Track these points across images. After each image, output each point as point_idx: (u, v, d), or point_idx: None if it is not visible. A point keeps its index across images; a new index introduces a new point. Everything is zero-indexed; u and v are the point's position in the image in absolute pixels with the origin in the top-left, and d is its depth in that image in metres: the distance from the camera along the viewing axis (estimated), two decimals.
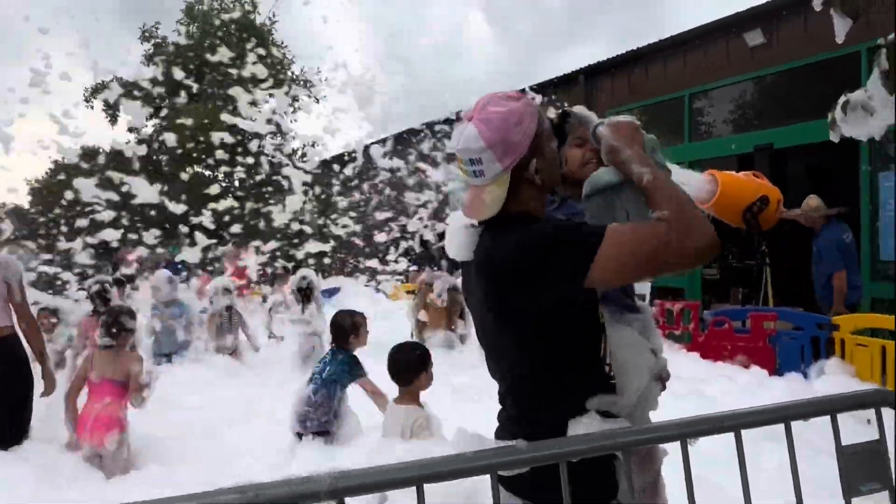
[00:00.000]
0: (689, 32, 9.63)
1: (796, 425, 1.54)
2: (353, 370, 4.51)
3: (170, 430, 4.67)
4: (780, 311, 6.70)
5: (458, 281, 8.10)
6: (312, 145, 20.01)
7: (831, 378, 5.28)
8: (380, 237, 10.74)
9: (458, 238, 1.63)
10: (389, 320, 8.98)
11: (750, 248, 9.68)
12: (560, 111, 1.99)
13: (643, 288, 7.72)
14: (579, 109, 1.99)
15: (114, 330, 4.44)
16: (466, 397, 5.19)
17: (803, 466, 1.58)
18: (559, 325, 1.51)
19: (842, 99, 2.38)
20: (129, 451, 4.27)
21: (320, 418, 4.33)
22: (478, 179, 1.55)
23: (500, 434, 1.64)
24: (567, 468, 1.34)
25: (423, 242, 9.97)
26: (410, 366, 3.56)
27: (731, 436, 1.47)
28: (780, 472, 1.53)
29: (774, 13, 8.44)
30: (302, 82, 25.78)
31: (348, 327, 4.64)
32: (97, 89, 24.10)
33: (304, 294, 7.49)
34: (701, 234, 1.38)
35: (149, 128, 23.75)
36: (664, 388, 1.89)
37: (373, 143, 9.88)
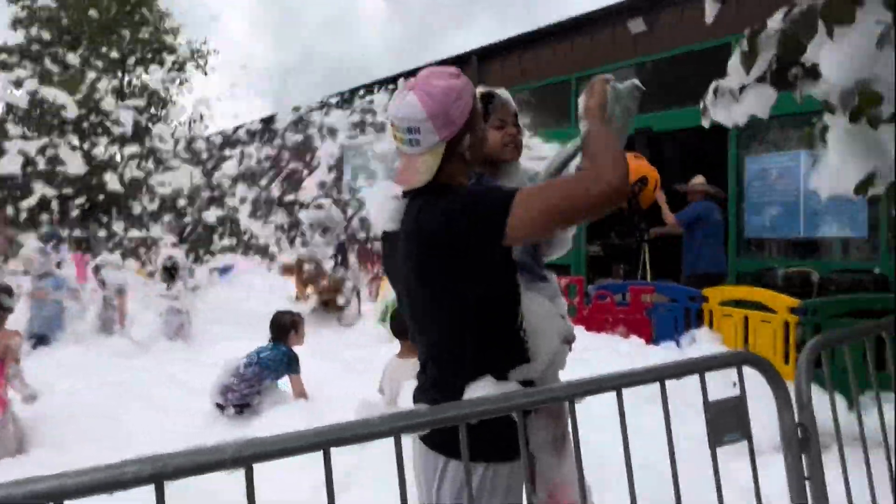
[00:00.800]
0: (577, 18, 9.95)
1: (672, 386, 1.69)
2: (292, 365, 4.74)
3: (57, 412, 4.42)
4: (657, 286, 7.11)
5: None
6: (201, 118, 19.10)
7: (701, 345, 5.68)
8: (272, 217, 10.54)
9: (386, 209, 1.67)
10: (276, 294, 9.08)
11: (630, 226, 10.19)
12: (485, 92, 2.05)
13: None
14: (503, 93, 2.07)
15: None
16: (353, 369, 5.57)
17: (678, 423, 1.73)
18: (486, 293, 1.59)
19: (713, 85, 2.55)
20: (19, 429, 4.03)
21: (243, 391, 4.50)
22: (414, 148, 1.60)
23: (419, 397, 1.69)
24: (482, 427, 1.39)
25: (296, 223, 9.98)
26: None
27: (614, 401, 1.59)
28: (659, 429, 1.67)
29: (656, 2, 8.86)
30: (189, 52, 24.43)
31: (288, 324, 4.93)
32: None
33: (170, 273, 7.56)
34: (608, 180, 1.44)
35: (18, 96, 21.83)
36: (570, 349, 2.03)
37: (255, 121, 9.58)
